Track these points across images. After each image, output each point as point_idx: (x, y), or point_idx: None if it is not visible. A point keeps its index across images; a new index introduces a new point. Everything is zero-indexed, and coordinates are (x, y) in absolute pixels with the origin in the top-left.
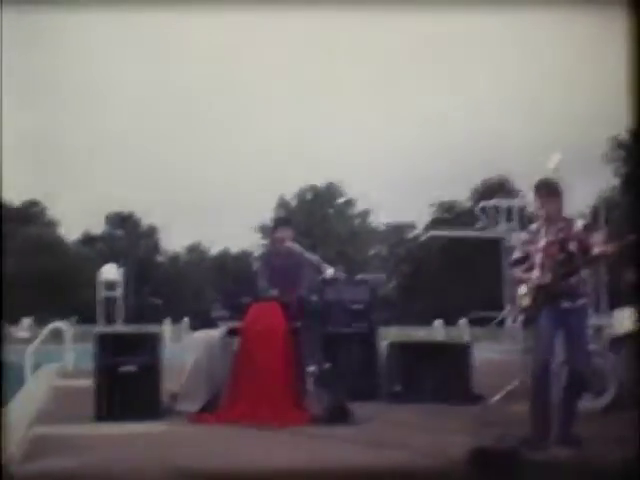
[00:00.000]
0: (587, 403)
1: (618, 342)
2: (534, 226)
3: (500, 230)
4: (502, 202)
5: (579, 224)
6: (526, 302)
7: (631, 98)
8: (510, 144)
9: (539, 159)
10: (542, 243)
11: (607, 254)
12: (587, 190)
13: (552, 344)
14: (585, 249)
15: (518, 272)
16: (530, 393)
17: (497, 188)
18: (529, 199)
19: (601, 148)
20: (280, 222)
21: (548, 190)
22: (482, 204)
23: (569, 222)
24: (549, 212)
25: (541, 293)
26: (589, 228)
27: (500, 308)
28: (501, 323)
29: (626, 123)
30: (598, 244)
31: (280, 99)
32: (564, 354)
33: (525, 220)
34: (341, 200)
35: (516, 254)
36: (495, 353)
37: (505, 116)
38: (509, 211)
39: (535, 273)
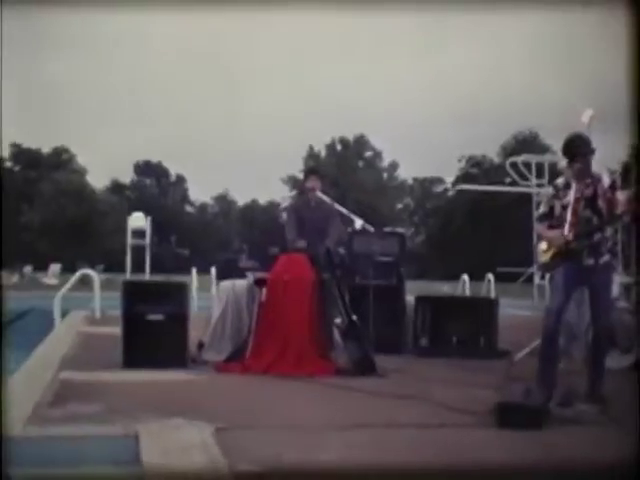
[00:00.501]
0: (615, 361)
1: None
2: (560, 180)
3: (530, 185)
4: (532, 158)
5: (606, 181)
6: (546, 258)
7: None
8: (542, 99)
9: (571, 114)
10: (568, 198)
11: (631, 213)
12: (618, 146)
13: (567, 300)
14: (611, 207)
15: (542, 227)
16: (540, 346)
17: (528, 143)
18: (560, 155)
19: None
20: (310, 171)
21: (578, 146)
22: (512, 159)
23: (597, 179)
24: (577, 168)
25: (563, 249)
26: (616, 186)
27: (528, 265)
28: (529, 279)
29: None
30: (623, 203)
31: (311, 54)
32: (590, 312)
33: (556, 176)
34: (370, 153)
35: (542, 209)
36: (522, 309)
37: (537, 71)
38: (539, 167)
39: (559, 229)
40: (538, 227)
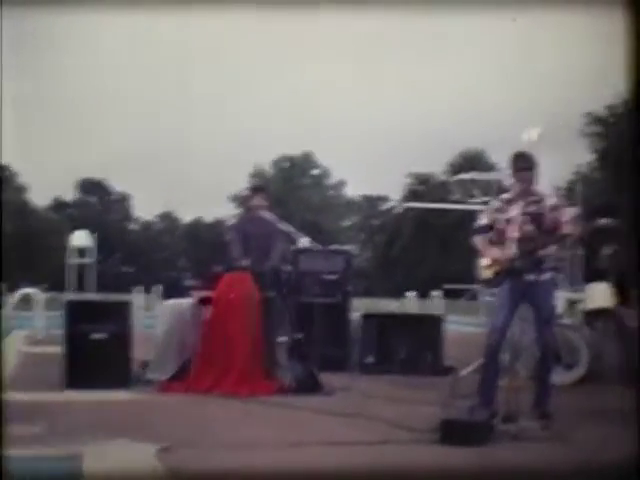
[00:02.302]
0: (559, 376)
1: (592, 316)
2: (506, 196)
3: (476, 203)
4: (479, 175)
5: (551, 200)
6: (488, 274)
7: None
8: (488, 118)
9: (517, 133)
10: (512, 214)
11: (574, 235)
12: (564, 165)
13: (510, 317)
14: (554, 226)
15: (483, 242)
16: (482, 363)
17: (475, 161)
18: (506, 173)
19: (578, 124)
20: (255, 190)
21: (523, 162)
22: (458, 177)
23: (541, 197)
24: (522, 185)
25: (505, 265)
26: (560, 205)
27: (474, 282)
28: (475, 296)
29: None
30: (567, 223)
31: (258, 71)
32: (534, 328)
33: (502, 193)
34: (316, 171)
35: (482, 221)
36: (468, 326)
37: (484, 90)
38: (486, 184)
39: (499, 245)
40: (477, 240)
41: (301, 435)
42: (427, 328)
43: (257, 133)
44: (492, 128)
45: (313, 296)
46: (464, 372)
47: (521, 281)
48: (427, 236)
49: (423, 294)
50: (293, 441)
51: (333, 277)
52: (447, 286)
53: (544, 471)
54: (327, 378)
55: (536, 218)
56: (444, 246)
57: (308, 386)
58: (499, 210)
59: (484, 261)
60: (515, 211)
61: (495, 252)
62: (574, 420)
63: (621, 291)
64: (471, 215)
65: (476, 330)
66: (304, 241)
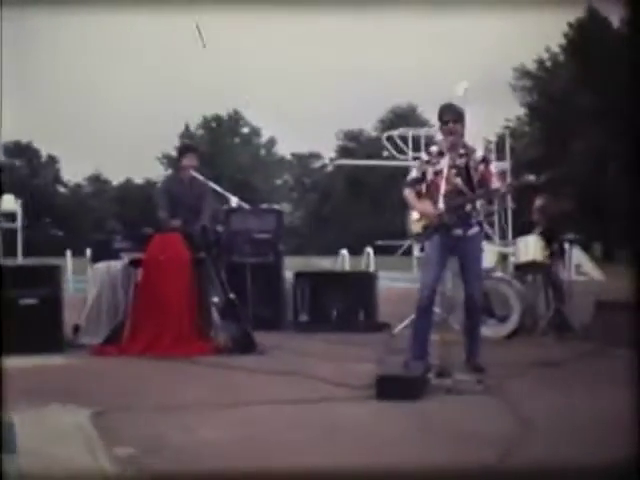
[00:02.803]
0: (492, 330)
1: (522, 269)
2: (435, 148)
3: (407, 159)
4: (409, 131)
5: (479, 154)
6: (417, 228)
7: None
8: (418, 73)
9: (447, 87)
10: (440, 167)
11: (501, 190)
12: (494, 119)
13: (440, 271)
14: (482, 179)
15: (413, 195)
16: (414, 318)
17: (406, 117)
18: (437, 129)
19: (508, 77)
20: (184, 150)
21: (449, 115)
22: (389, 133)
23: (470, 150)
24: (450, 137)
25: (433, 220)
26: (488, 158)
27: (406, 237)
28: (408, 252)
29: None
30: (495, 177)
31: (187, 31)
32: (462, 281)
33: None
34: (246, 129)
35: (414, 173)
36: (402, 282)
37: (414, 46)
38: (416, 140)
39: (429, 198)
40: (408, 193)
41: (237, 395)
42: (360, 285)
43: (185, 93)
44: (423, 84)
45: (245, 256)
46: (398, 328)
47: (449, 235)
48: (359, 193)
49: (356, 251)
50: (230, 401)
51: (265, 236)
52: (380, 242)
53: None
54: (261, 337)
55: (464, 171)
56: (376, 203)
57: (243, 346)
58: (428, 163)
59: (413, 215)
60: (444, 164)
61: (425, 205)
62: (508, 372)
63: (550, 244)
64: (402, 171)
65: (410, 286)
66: (234, 201)
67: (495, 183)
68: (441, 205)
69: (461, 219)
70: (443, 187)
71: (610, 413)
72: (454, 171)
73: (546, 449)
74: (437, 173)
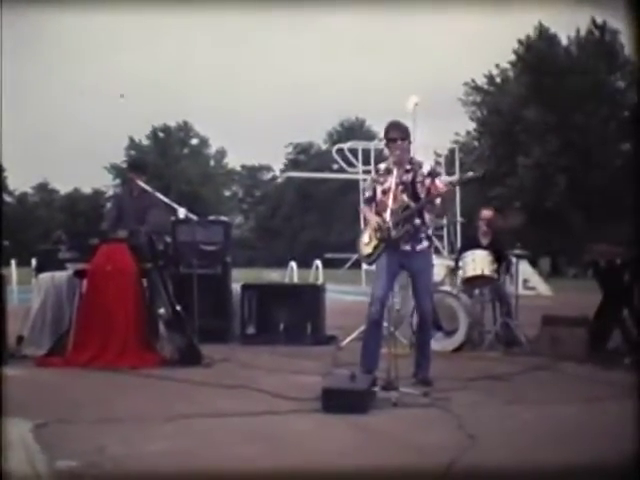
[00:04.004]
0: (440, 343)
1: (470, 283)
2: (383, 165)
3: (357, 172)
4: (359, 144)
5: (425, 168)
6: (368, 250)
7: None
8: (368, 87)
9: (396, 102)
10: (388, 184)
11: (443, 195)
12: (444, 133)
13: (390, 285)
14: (428, 194)
15: (367, 211)
16: (364, 331)
17: (355, 130)
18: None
19: (458, 92)
20: (133, 164)
21: (395, 133)
22: (338, 146)
23: (417, 165)
24: (397, 154)
25: (384, 238)
26: (435, 172)
27: (356, 250)
28: (357, 265)
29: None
30: (441, 188)
31: (133, 41)
32: (413, 296)
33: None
34: (195, 141)
35: (367, 193)
36: (350, 294)
37: (363, 58)
38: (366, 153)
39: (379, 215)
40: (364, 211)
41: (182, 407)
42: (308, 298)
43: (133, 104)
44: (373, 97)
45: (192, 267)
46: (346, 341)
47: (398, 251)
48: (308, 206)
49: (305, 264)
50: (174, 414)
51: (212, 248)
52: (328, 255)
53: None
54: (208, 349)
55: (410, 187)
56: (325, 215)
57: (188, 358)
58: (377, 181)
59: (364, 238)
60: (390, 181)
61: (376, 221)
62: (454, 386)
63: (498, 259)
64: (352, 184)
65: (358, 299)
66: (182, 212)
67: (435, 191)
68: (388, 221)
69: (409, 234)
70: (390, 204)
71: (555, 425)
72: (401, 187)
73: (490, 461)
74: (385, 191)
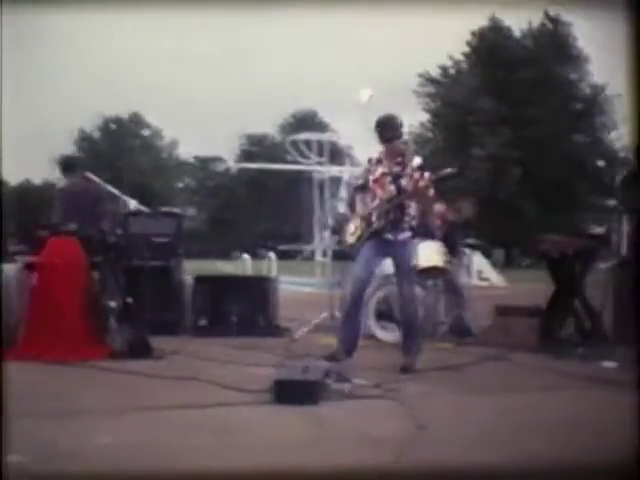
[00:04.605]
0: (393, 334)
1: (423, 275)
2: (375, 156)
3: (310, 164)
4: (312, 136)
5: (416, 162)
6: (352, 240)
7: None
8: (322, 79)
9: (351, 94)
10: (377, 174)
11: (422, 188)
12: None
13: (371, 269)
14: (416, 187)
15: (358, 199)
16: (346, 309)
17: (307, 121)
18: (340, 133)
19: (412, 84)
20: (61, 165)
21: (390, 131)
22: (292, 137)
23: (407, 158)
24: (387, 146)
25: (367, 230)
26: (424, 167)
27: (309, 242)
28: (311, 257)
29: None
30: (424, 183)
31: (82, 33)
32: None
33: (336, 154)
34: (147, 132)
35: (359, 181)
36: (303, 286)
37: (317, 50)
38: (320, 145)
39: (368, 204)
40: (355, 197)
41: (133, 400)
42: (261, 289)
43: (83, 96)
44: (326, 89)
45: (143, 259)
46: (299, 333)
47: (381, 239)
48: (262, 197)
49: (257, 255)
50: (125, 406)
51: (164, 240)
52: (282, 247)
53: (493, 462)
54: (159, 342)
55: (398, 179)
56: (279, 207)
57: (139, 350)
58: (369, 170)
59: (350, 227)
60: (380, 171)
61: (360, 211)
62: (407, 376)
63: (452, 250)
64: (306, 176)
65: (312, 290)
66: (133, 204)
67: (421, 186)
68: (373, 212)
69: (392, 224)
70: (378, 194)
71: (507, 417)
72: (389, 178)
73: (441, 452)
74: (375, 181)
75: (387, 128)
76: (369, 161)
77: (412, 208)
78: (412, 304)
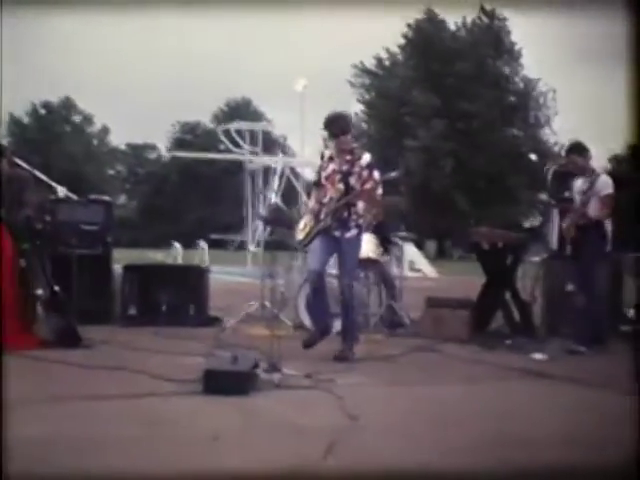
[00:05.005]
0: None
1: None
2: (327, 152)
3: (243, 153)
4: (245, 125)
5: (365, 160)
6: (302, 235)
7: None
8: (257, 68)
9: (286, 83)
10: (328, 172)
11: (369, 191)
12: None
13: (323, 261)
14: (363, 185)
15: (313, 195)
16: (310, 299)
17: (241, 110)
18: (274, 123)
19: (347, 75)
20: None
21: (336, 127)
22: (225, 126)
23: (357, 156)
24: (336, 142)
25: (315, 227)
26: (373, 165)
27: (240, 231)
28: (243, 247)
29: None
30: (375, 183)
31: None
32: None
33: (270, 144)
34: (78, 118)
35: (314, 177)
36: (235, 276)
37: (252, 39)
38: (252, 134)
39: (317, 200)
40: (313, 193)
41: (60, 389)
42: (192, 279)
43: (13, 80)
44: (261, 78)
45: (72, 247)
46: (229, 323)
47: (330, 236)
48: (194, 186)
49: (189, 244)
50: (52, 396)
51: (93, 228)
52: (214, 236)
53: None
54: (88, 331)
55: (346, 176)
56: (211, 196)
57: (67, 339)
58: (321, 167)
59: (301, 224)
60: (331, 168)
61: (311, 207)
62: (337, 368)
63: (383, 241)
64: (238, 164)
65: (243, 280)
66: (61, 191)
67: (370, 185)
68: (322, 209)
69: (340, 222)
70: (328, 192)
71: (437, 406)
72: (339, 176)
73: (372, 442)
74: (327, 177)
75: (334, 124)
76: (322, 157)
77: (359, 207)
78: (351, 297)
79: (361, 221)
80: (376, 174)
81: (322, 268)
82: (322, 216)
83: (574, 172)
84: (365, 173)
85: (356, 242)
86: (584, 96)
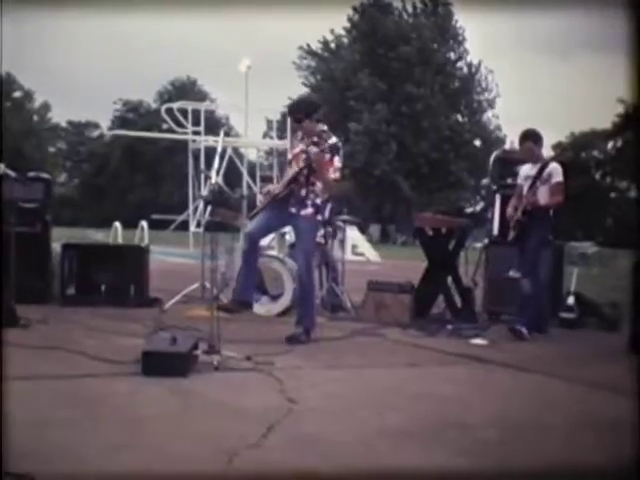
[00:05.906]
0: (265, 307)
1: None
2: (300, 133)
3: (186, 132)
4: (189, 104)
5: (330, 142)
6: (258, 210)
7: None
8: (202, 47)
9: (229, 63)
10: (296, 151)
11: (332, 182)
12: (276, 98)
13: (264, 230)
14: (320, 167)
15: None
16: (241, 262)
17: (186, 90)
18: (218, 103)
19: (293, 57)
20: None
21: (299, 112)
22: (168, 105)
23: (324, 138)
24: (302, 128)
25: (273, 197)
26: (336, 149)
27: (183, 212)
28: (185, 227)
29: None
30: (332, 168)
31: None
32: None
33: (214, 123)
34: (18, 94)
35: (289, 156)
36: (176, 257)
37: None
38: (196, 114)
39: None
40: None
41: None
42: (132, 259)
43: None
44: (205, 57)
45: (10, 225)
46: (169, 304)
47: (285, 210)
48: (136, 165)
49: (131, 224)
50: None
51: (31, 205)
52: (155, 216)
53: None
54: (25, 310)
55: (310, 157)
56: (153, 175)
57: (4, 319)
58: (292, 147)
59: (260, 197)
60: (299, 149)
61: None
62: (278, 350)
63: (326, 225)
64: (181, 144)
65: (183, 261)
66: None
67: (329, 173)
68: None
69: (296, 199)
70: (293, 169)
71: (375, 390)
72: (303, 156)
73: (311, 425)
74: (294, 156)
75: (294, 110)
76: (294, 137)
77: (317, 186)
78: (308, 278)
79: (318, 200)
80: (337, 159)
81: (259, 235)
82: (280, 189)
83: (523, 159)
84: (327, 156)
85: (313, 221)
86: (527, 83)
